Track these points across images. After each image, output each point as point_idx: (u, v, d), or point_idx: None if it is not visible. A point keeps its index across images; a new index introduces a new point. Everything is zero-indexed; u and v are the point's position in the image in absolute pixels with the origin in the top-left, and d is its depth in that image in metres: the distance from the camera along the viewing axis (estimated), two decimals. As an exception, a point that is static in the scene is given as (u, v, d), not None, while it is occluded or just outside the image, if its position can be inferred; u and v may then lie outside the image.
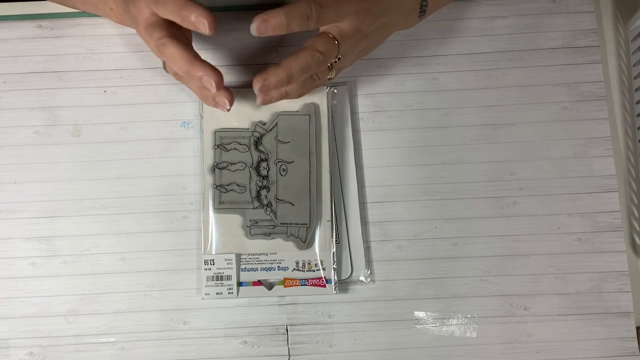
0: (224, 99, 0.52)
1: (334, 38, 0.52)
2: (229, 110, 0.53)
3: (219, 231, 0.58)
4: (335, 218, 0.59)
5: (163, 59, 0.51)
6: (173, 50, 0.49)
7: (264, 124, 0.59)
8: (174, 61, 0.50)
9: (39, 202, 0.59)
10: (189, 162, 0.60)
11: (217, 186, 0.58)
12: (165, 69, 0.56)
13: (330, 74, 0.55)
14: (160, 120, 0.61)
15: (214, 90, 0.49)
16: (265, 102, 0.53)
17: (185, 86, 0.60)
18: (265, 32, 0.47)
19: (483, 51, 0.62)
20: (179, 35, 0.51)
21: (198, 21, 0.47)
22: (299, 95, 0.56)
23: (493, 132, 0.61)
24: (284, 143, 0.59)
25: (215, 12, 0.51)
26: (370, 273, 0.59)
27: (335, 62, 0.53)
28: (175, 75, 0.56)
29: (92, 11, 0.60)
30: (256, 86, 0.50)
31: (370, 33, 0.54)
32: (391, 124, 0.61)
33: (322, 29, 0.52)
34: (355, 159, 0.60)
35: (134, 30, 0.61)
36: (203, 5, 0.47)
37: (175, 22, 0.50)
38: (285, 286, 0.57)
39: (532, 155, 0.60)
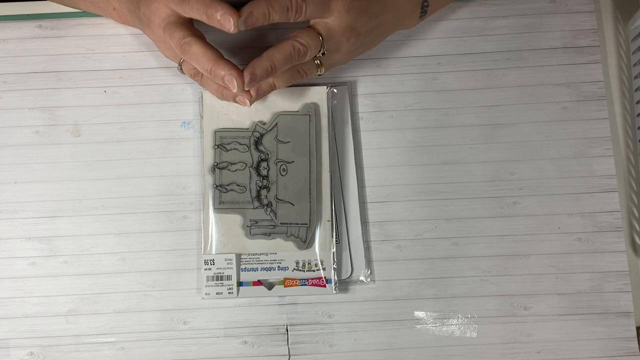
0: (244, 99, 0.53)
1: (319, 33, 0.52)
2: (249, 106, 0.55)
3: (219, 231, 0.58)
4: (335, 218, 0.59)
5: (186, 57, 0.51)
6: (197, 49, 0.50)
7: (264, 123, 0.59)
8: (198, 60, 0.50)
9: (39, 202, 0.59)
10: (189, 162, 0.60)
11: (217, 186, 0.58)
12: (180, 69, 0.55)
13: (319, 69, 0.55)
14: (160, 120, 0.61)
15: (235, 90, 0.50)
16: (258, 96, 0.54)
17: (184, 87, 0.61)
18: (252, 24, 0.48)
19: (483, 51, 0.62)
20: (199, 34, 0.51)
21: (224, 19, 0.47)
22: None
23: (493, 132, 0.61)
24: (284, 143, 0.59)
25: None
26: (370, 273, 0.59)
27: (320, 57, 0.54)
28: (194, 75, 0.55)
29: (93, 11, 0.60)
30: (246, 78, 0.50)
31: (363, 32, 0.54)
32: (391, 124, 0.61)
33: (311, 23, 0.53)
34: (355, 159, 0.60)
35: (134, 30, 0.61)
36: (228, 3, 0.47)
37: (193, 21, 0.50)
38: (285, 286, 0.57)
39: (532, 155, 0.60)
